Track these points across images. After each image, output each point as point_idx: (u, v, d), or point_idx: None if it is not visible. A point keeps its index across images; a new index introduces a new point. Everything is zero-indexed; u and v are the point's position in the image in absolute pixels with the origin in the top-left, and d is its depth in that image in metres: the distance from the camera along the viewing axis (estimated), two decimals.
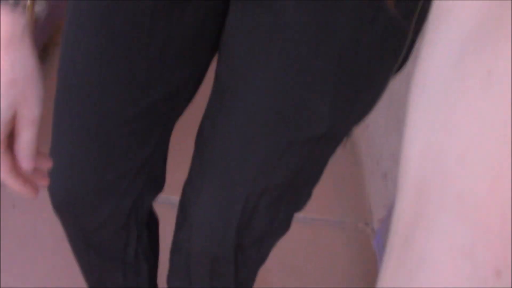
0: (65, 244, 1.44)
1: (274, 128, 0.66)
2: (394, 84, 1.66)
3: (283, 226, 0.83)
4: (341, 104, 0.65)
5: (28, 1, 0.55)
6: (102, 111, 0.72)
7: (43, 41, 2.04)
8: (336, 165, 1.90)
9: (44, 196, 1.53)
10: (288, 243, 1.60)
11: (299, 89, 0.63)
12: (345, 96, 0.65)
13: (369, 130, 1.86)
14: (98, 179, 0.78)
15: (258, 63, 0.63)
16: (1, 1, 0.53)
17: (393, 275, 0.22)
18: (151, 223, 0.96)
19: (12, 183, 0.61)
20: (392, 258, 0.23)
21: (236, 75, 0.67)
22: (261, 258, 0.89)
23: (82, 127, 0.73)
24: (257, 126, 0.67)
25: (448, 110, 0.21)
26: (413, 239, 0.22)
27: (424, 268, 0.20)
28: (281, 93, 0.64)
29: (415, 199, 0.23)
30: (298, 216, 1.67)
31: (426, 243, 0.21)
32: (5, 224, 1.45)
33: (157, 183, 0.90)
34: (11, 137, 0.59)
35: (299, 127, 0.65)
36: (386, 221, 1.53)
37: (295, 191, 0.77)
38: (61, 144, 0.76)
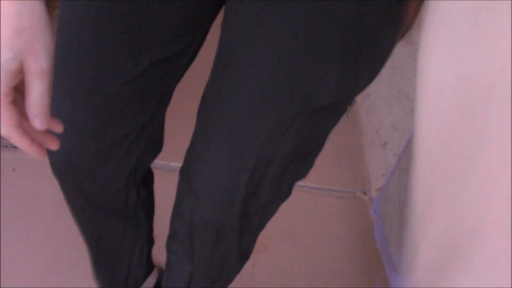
0: (65, 207, 1.45)
1: (283, 98, 0.65)
2: (396, 55, 1.65)
3: (286, 193, 0.83)
4: (348, 73, 0.65)
5: None
6: (101, 70, 0.70)
7: None
8: (336, 134, 1.90)
9: (44, 160, 1.53)
10: (287, 211, 1.61)
11: (306, 59, 0.62)
12: (351, 66, 0.64)
13: (370, 100, 1.85)
14: (98, 141, 0.77)
15: (264, 32, 0.63)
16: None
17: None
18: (149, 178, 0.98)
19: (17, 140, 0.57)
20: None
21: (242, 44, 0.66)
22: (263, 224, 0.89)
23: (81, 87, 0.72)
24: (265, 96, 0.65)
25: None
26: None
27: None
28: (289, 63, 0.63)
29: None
30: (297, 184, 1.69)
31: None
32: (5, 187, 1.46)
33: (157, 145, 0.90)
34: (23, 95, 0.57)
35: (307, 97, 0.65)
36: (384, 190, 1.54)
37: (300, 160, 0.77)
38: (60, 105, 0.74)
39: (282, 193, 0.80)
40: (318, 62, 0.62)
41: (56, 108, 0.73)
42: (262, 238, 1.50)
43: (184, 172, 0.81)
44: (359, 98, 1.96)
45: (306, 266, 1.46)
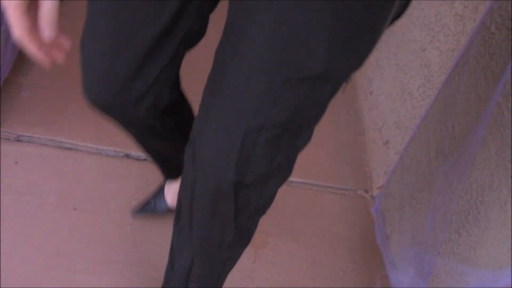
0: (67, 201, 1.46)
1: (274, 64, 0.69)
2: (400, 53, 1.64)
3: (284, 168, 0.85)
4: (337, 46, 0.68)
5: None
6: (131, 9, 0.79)
7: None
8: (338, 131, 1.90)
9: (46, 154, 1.54)
10: (287, 208, 1.61)
11: (297, 29, 0.67)
12: (340, 39, 0.67)
13: (372, 97, 1.85)
14: (128, 70, 0.85)
15: (264, 4, 0.68)
16: None
17: None
18: (176, 108, 1.03)
19: (28, 44, 0.67)
20: None
21: (244, 14, 0.71)
22: (262, 205, 0.91)
23: (113, 21, 0.82)
24: (258, 62, 0.70)
25: None
26: None
27: None
28: (281, 33, 0.67)
29: None
30: (298, 181, 1.69)
31: None
32: (8, 180, 1.46)
33: (174, 85, 0.97)
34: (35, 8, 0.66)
35: (296, 64, 0.68)
36: (385, 188, 1.54)
37: (293, 131, 0.79)
38: (93, 32, 0.86)
39: (278, 166, 0.81)
40: (307, 32, 0.66)
41: (87, 36, 0.87)
42: (262, 234, 1.50)
43: (189, 142, 0.84)
44: (362, 96, 1.96)
45: (306, 263, 1.47)
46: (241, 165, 0.76)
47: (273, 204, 1.64)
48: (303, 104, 0.73)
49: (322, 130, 1.88)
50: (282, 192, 1.62)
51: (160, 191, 1.45)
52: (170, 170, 1.31)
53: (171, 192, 1.40)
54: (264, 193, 0.86)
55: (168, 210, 1.43)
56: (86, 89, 0.90)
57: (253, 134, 0.73)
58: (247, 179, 0.78)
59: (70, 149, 1.59)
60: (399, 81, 1.63)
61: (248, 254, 1.44)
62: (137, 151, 1.62)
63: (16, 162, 1.51)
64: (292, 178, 1.68)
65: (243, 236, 0.96)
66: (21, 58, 1.79)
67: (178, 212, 0.97)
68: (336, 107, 1.97)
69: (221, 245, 0.94)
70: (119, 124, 1.02)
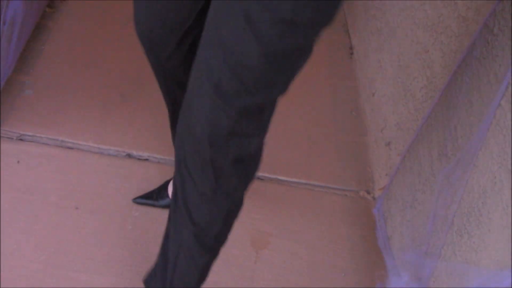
0: (68, 200, 1.46)
1: (246, 5, 0.78)
2: (402, 54, 1.64)
3: (268, 109, 0.92)
4: None
5: None
6: None
7: None
8: (340, 132, 1.90)
9: (48, 153, 1.54)
10: (289, 208, 1.61)
11: None
12: None
13: (375, 99, 1.85)
14: (168, 20, 1.06)
15: None
16: None
17: None
18: None
19: None
20: None
21: None
22: (249, 168, 1.00)
23: None
24: (233, 4, 0.80)
25: None
26: None
27: None
28: None
29: None
30: (300, 181, 1.69)
31: None
32: (10, 179, 1.46)
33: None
34: None
35: (265, 6, 0.77)
36: (387, 190, 1.54)
37: (270, 76, 0.84)
38: None
39: (258, 109, 0.89)
40: None
41: None
42: (264, 235, 1.50)
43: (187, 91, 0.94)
44: (365, 97, 1.96)
45: (307, 263, 1.46)
46: (228, 96, 0.84)
47: (275, 205, 1.64)
48: (275, 48, 0.80)
49: (324, 131, 1.89)
50: (284, 192, 1.62)
51: (163, 186, 1.48)
52: None
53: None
54: (250, 143, 0.94)
55: (169, 205, 1.44)
56: (138, 23, 1.10)
57: (236, 66, 0.82)
58: (237, 128, 0.88)
59: (72, 148, 1.59)
60: (401, 82, 1.62)
61: (249, 254, 1.44)
62: (139, 151, 1.62)
63: (18, 161, 1.51)
64: (293, 178, 1.69)
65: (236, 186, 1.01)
66: (23, 57, 1.79)
67: (176, 165, 1.02)
68: (338, 108, 1.97)
69: (216, 192, 0.99)
70: (154, 65, 1.18)
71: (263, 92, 0.86)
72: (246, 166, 0.99)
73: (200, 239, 1.04)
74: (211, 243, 1.06)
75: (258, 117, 0.90)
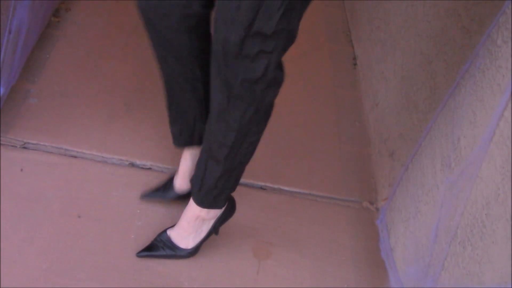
0: (71, 208, 1.46)
1: None
2: (406, 65, 1.64)
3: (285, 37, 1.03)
4: None
5: None
6: None
7: (55, 5, 2.03)
8: (344, 142, 1.90)
9: (51, 161, 1.55)
10: (292, 219, 1.61)
11: None
12: None
13: (378, 109, 1.85)
14: None
15: None
16: None
17: None
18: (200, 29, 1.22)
19: None
20: None
21: None
22: (262, 95, 1.10)
23: None
24: None
25: None
26: None
27: None
28: None
29: None
30: (303, 192, 1.69)
31: None
32: (13, 187, 1.47)
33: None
34: None
35: None
36: (390, 201, 1.54)
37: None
38: None
39: (278, 36, 1.01)
40: None
41: None
42: (267, 246, 1.50)
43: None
44: (368, 108, 1.96)
45: (310, 274, 1.46)
46: (250, 21, 0.98)
47: (278, 215, 1.64)
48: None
49: (327, 141, 1.89)
50: (287, 203, 1.62)
51: (169, 180, 1.50)
52: (181, 124, 1.39)
53: (179, 178, 1.46)
54: (260, 63, 1.04)
55: (176, 197, 1.47)
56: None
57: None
58: (250, 40, 1.00)
59: (75, 157, 1.59)
60: (405, 93, 1.63)
61: (251, 265, 1.44)
62: (142, 160, 1.62)
63: (21, 169, 1.51)
64: (297, 189, 1.68)
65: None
66: (28, 66, 1.80)
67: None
68: (341, 118, 1.97)
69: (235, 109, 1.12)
70: (154, 39, 1.21)
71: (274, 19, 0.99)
72: (255, 89, 1.10)
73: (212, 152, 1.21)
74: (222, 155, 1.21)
75: (264, 41, 1.02)
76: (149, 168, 1.62)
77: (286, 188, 1.68)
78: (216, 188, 1.27)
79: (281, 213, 1.60)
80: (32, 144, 1.59)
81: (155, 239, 1.39)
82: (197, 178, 1.29)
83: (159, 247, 1.38)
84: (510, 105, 1.00)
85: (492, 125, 1.04)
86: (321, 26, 2.42)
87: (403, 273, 1.35)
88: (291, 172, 1.72)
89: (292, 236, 1.54)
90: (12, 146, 1.57)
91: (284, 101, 2.00)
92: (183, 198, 1.45)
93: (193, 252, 1.38)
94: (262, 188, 1.66)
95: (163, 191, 1.50)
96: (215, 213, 1.33)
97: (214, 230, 1.37)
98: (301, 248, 1.52)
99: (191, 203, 1.32)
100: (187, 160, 1.44)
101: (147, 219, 1.48)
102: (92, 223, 1.43)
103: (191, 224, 1.34)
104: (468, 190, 1.10)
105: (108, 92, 1.81)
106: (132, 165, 1.62)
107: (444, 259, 1.16)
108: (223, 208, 1.34)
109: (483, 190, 1.05)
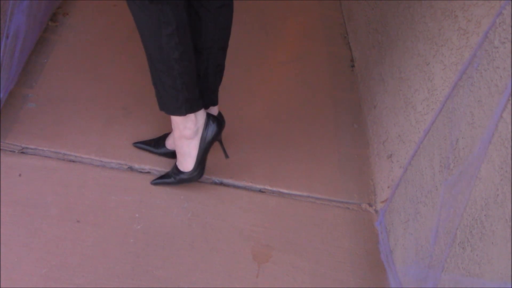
0: (69, 213, 1.46)
1: None
2: (403, 66, 1.65)
3: None
4: None
5: None
6: None
7: (52, 10, 2.03)
8: (342, 145, 1.90)
9: (50, 166, 1.54)
10: (291, 221, 1.61)
11: None
12: None
13: (376, 111, 1.85)
14: None
15: None
16: None
17: None
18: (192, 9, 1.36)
19: None
20: None
21: None
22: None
23: None
24: None
25: None
26: None
27: None
28: None
29: None
30: (302, 194, 1.69)
31: None
32: (11, 192, 1.46)
33: None
34: None
35: None
36: (389, 202, 1.54)
37: None
38: None
39: None
40: None
41: None
42: (266, 249, 1.50)
43: None
44: (366, 110, 1.96)
45: (310, 277, 1.46)
46: None
47: (277, 218, 1.64)
48: None
49: (325, 144, 1.89)
50: (286, 205, 1.62)
51: (161, 137, 1.64)
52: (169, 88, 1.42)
53: (171, 139, 1.60)
54: None
55: (165, 153, 1.61)
56: None
57: None
58: None
59: (74, 161, 1.59)
60: (402, 95, 1.63)
61: (251, 268, 1.44)
62: (140, 164, 1.62)
63: (20, 174, 1.51)
64: (295, 191, 1.68)
65: None
66: (26, 71, 1.80)
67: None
68: (340, 120, 1.97)
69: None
70: None
71: None
72: None
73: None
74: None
75: None
76: (148, 172, 1.61)
77: (285, 191, 1.68)
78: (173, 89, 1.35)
79: (280, 216, 1.60)
80: (31, 149, 1.59)
81: (170, 170, 1.55)
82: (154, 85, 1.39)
83: (170, 175, 1.54)
84: (508, 106, 1.00)
85: (491, 126, 1.04)
86: (319, 29, 2.43)
87: (402, 274, 1.35)
88: (289, 175, 1.72)
89: (292, 238, 1.54)
90: (11, 151, 1.57)
91: (282, 103, 2.00)
92: (171, 156, 1.60)
93: (194, 172, 1.48)
94: (261, 191, 1.65)
95: (153, 145, 1.63)
96: (190, 128, 1.42)
97: (206, 149, 1.46)
98: (300, 250, 1.51)
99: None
100: None
101: (146, 223, 1.47)
102: (91, 227, 1.43)
103: (178, 146, 1.47)
104: (467, 191, 1.10)
105: (106, 96, 1.81)
106: (131, 169, 1.61)
107: (444, 260, 1.16)
108: (194, 119, 1.42)
109: (482, 191, 1.06)
